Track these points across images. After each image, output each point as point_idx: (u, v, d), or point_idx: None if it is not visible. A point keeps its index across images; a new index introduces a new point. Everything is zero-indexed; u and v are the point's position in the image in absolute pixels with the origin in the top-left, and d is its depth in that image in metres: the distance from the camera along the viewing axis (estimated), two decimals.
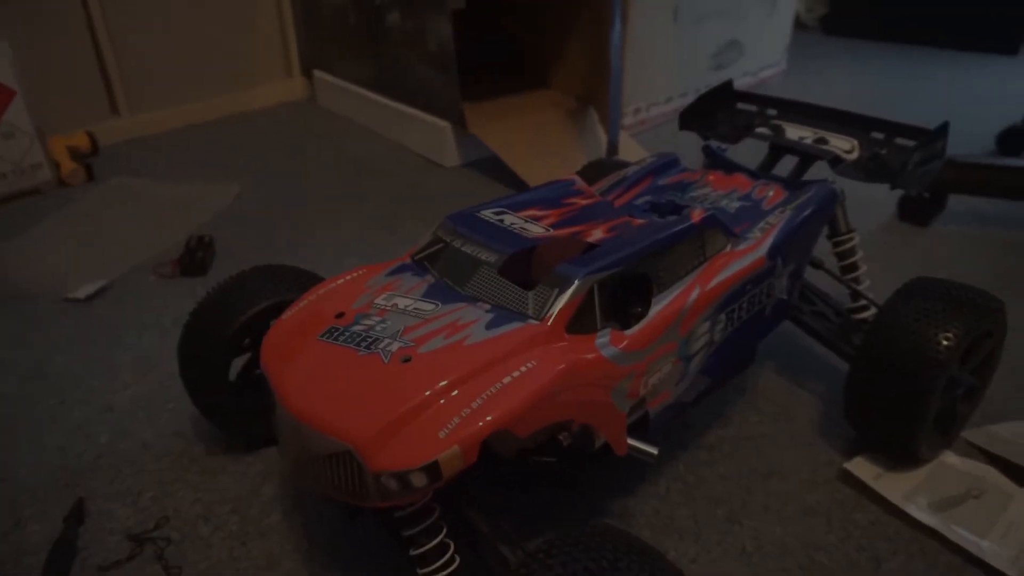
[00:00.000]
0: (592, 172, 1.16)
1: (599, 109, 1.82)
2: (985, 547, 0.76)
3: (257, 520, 0.82)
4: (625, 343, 0.67)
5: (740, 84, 1.34)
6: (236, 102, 2.22)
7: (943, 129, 0.91)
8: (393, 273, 0.74)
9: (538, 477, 0.71)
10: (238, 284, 0.85)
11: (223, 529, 0.81)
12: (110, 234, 1.48)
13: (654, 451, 0.70)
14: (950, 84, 2.39)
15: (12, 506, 0.85)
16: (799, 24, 3.11)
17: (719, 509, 0.83)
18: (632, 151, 1.72)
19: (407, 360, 0.61)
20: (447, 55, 1.64)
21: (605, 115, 1.71)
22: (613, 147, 1.62)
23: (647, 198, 0.90)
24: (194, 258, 1.34)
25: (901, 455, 0.85)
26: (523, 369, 0.60)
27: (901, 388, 0.79)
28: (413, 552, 0.62)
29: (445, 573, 0.62)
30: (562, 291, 0.65)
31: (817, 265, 0.98)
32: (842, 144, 0.96)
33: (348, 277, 0.75)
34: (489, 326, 0.64)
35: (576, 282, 0.65)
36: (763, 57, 2.39)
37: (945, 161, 1.44)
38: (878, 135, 0.96)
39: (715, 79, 1.07)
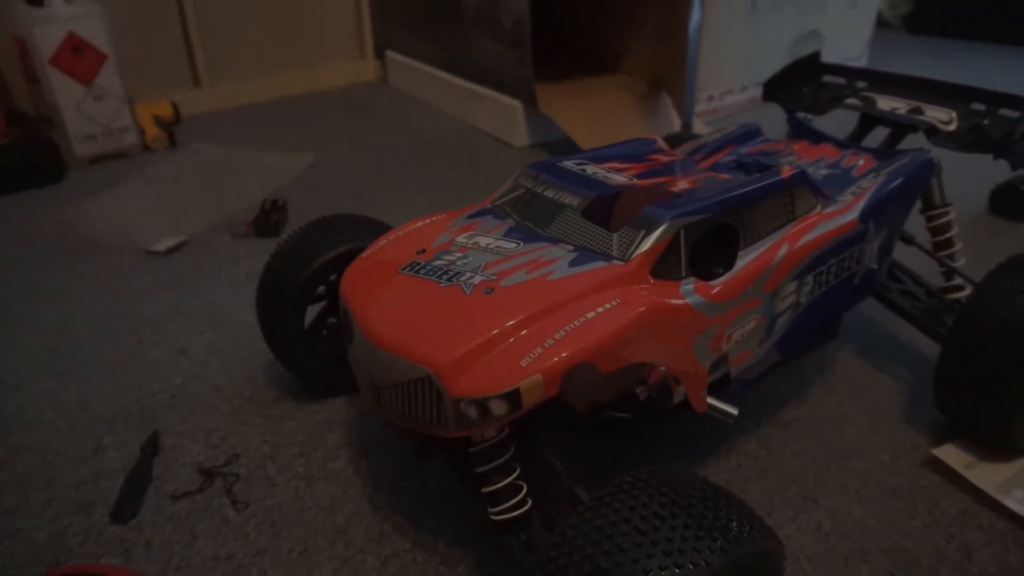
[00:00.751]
0: (669, 144, 1.13)
1: (672, 93, 1.78)
2: None
3: (322, 464, 0.83)
4: (711, 292, 0.65)
5: None
6: (311, 80, 2.27)
7: None
8: (473, 216, 0.74)
9: (609, 428, 0.69)
10: (316, 230, 0.86)
11: (289, 470, 0.82)
12: (189, 195, 1.53)
13: (734, 411, 0.67)
14: None
15: (92, 433, 0.87)
16: (882, 22, 2.99)
17: (793, 486, 0.80)
18: None
19: (489, 292, 0.60)
20: (522, 32, 1.64)
21: (679, 99, 1.68)
22: (688, 129, 1.59)
23: (732, 159, 0.88)
24: (268, 220, 1.37)
25: (997, 443, 0.80)
26: (607, 306, 0.59)
27: (1000, 370, 0.74)
28: (485, 490, 0.61)
29: (517, 513, 0.61)
30: (648, 233, 0.63)
31: (908, 240, 0.93)
32: (939, 115, 0.92)
33: (428, 220, 0.75)
34: (572, 264, 0.63)
35: (663, 224, 0.63)
36: (843, 50, 2.31)
37: None
38: (979, 106, 0.91)
39: None
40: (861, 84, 1.01)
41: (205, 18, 2.01)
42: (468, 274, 0.63)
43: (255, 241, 1.34)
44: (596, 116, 1.71)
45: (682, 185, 0.74)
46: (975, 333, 0.76)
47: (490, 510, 0.62)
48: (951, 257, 0.94)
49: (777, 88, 1.03)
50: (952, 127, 0.89)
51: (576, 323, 0.57)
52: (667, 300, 0.62)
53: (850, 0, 2.21)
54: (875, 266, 0.85)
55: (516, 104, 1.75)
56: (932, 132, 0.89)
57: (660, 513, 0.46)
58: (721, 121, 1.93)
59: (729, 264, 0.68)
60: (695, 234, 0.65)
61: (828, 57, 2.34)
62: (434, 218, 0.75)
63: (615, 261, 0.63)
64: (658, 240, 0.63)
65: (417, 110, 2.08)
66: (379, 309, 0.62)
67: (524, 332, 0.57)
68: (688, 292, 0.64)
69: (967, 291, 0.92)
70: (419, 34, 2.13)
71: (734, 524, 0.47)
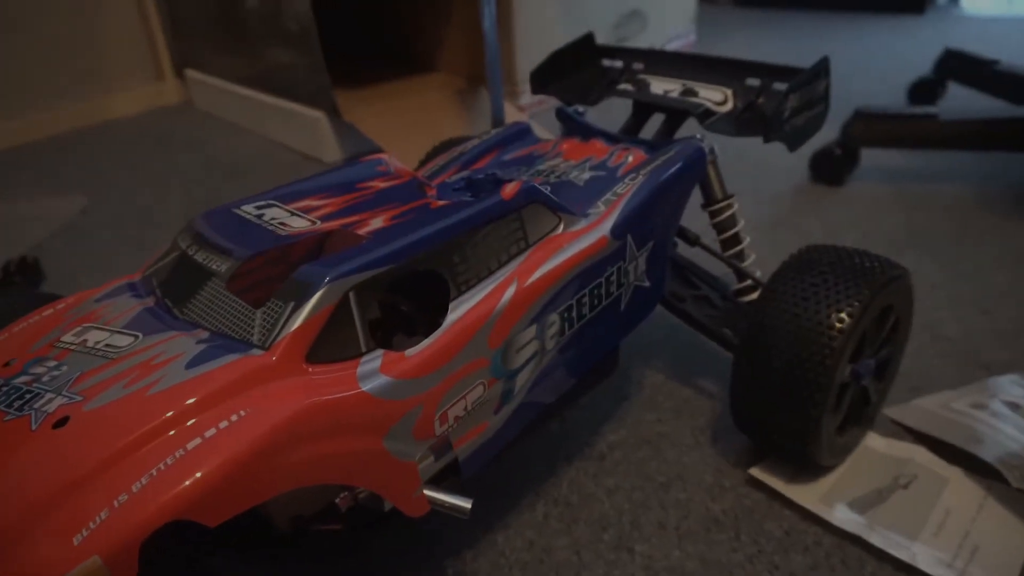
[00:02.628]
0: (446, 149, 1.00)
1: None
2: (917, 550, 0.64)
3: None
4: (402, 369, 0.50)
5: None
6: (101, 110, 2.00)
7: (821, 65, 0.78)
8: (108, 296, 0.55)
9: (326, 544, 0.54)
10: None
11: None
12: None
13: (466, 505, 0.52)
14: (863, 46, 2.33)
15: None
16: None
17: (606, 534, 0.69)
18: None
19: (61, 424, 0.43)
20: (309, 35, 1.47)
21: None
22: (499, 125, 1.47)
23: (464, 176, 0.73)
24: (11, 284, 1.14)
25: (800, 462, 0.71)
26: (222, 425, 0.42)
27: (789, 380, 0.64)
28: None
29: None
30: (299, 305, 0.47)
31: (693, 241, 0.81)
32: (713, 95, 0.81)
33: (59, 305, 0.56)
34: (192, 364, 0.46)
35: (319, 291, 0.48)
36: (669, 28, 2.28)
37: (856, 114, 1.35)
38: (754, 82, 0.81)
39: None
40: (638, 66, 0.90)
41: None
42: (48, 396, 0.45)
43: None
44: (408, 119, 1.58)
45: (376, 224, 0.57)
46: (762, 341, 0.66)
47: None
48: (739, 255, 0.82)
49: (547, 78, 0.91)
50: (727, 107, 0.80)
51: (169, 461, 0.40)
52: (330, 394, 0.46)
53: None
54: (646, 284, 0.72)
55: (319, 115, 1.58)
56: (706, 115, 0.79)
57: None
58: (548, 113, 1.83)
59: (440, 312, 0.53)
60: (378, 293, 0.50)
61: (655, 37, 2.30)
62: (66, 303, 0.56)
63: (254, 351, 0.47)
64: (313, 312, 0.47)
65: (221, 132, 1.86)
66: None
67: (88, 490, 0.40)
68: (368, 374, 0.48)
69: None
70: (217, 49, 1.92)
71: None
